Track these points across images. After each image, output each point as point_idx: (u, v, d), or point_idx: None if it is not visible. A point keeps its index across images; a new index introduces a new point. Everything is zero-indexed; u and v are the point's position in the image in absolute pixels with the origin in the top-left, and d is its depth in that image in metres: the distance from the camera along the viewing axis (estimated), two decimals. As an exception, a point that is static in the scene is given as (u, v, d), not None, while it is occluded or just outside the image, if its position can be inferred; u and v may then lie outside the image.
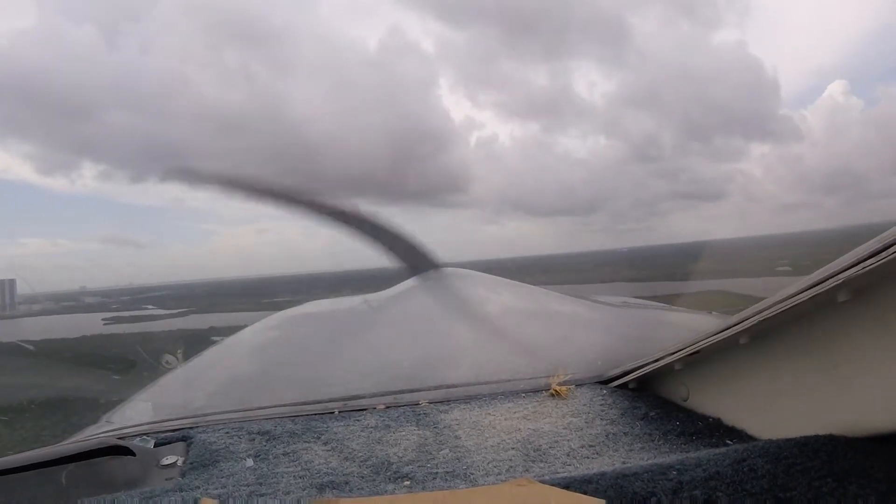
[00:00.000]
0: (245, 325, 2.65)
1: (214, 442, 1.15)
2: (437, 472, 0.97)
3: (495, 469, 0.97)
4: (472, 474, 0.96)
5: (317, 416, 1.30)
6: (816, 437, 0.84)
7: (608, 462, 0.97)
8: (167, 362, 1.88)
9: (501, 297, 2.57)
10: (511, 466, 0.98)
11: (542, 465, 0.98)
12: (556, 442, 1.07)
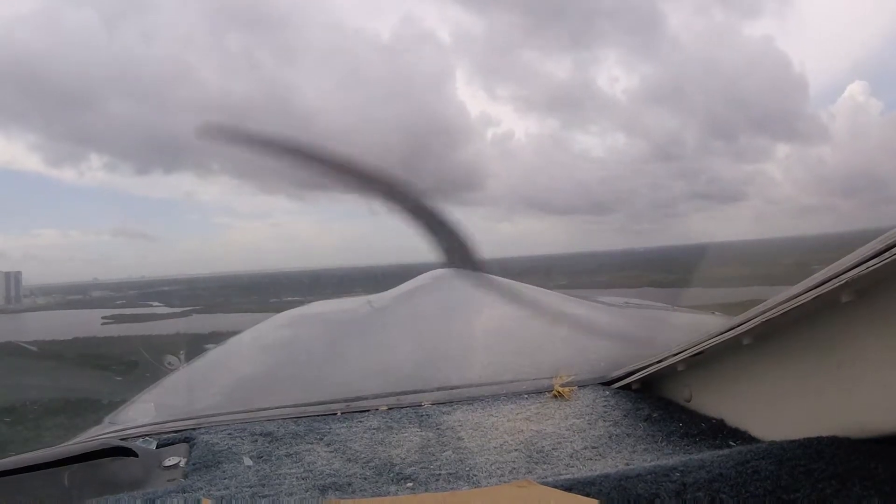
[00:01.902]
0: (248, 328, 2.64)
1: (217, 443, 1.15)
2: (439, 474, 0.97)
3: (498, 471, 0.97)
4: (475, 476, 0.96)
5: (319, 418, 1.30)
6: (820, 439, 0.83)
7: (611, 464, 0.97)
8: (169, 363, 1.88)
9: (503, 297, 2.57)
10: (514, 468, 0.98)
11: (545, 466, 0.98)
12: (559, 443, 1.07)
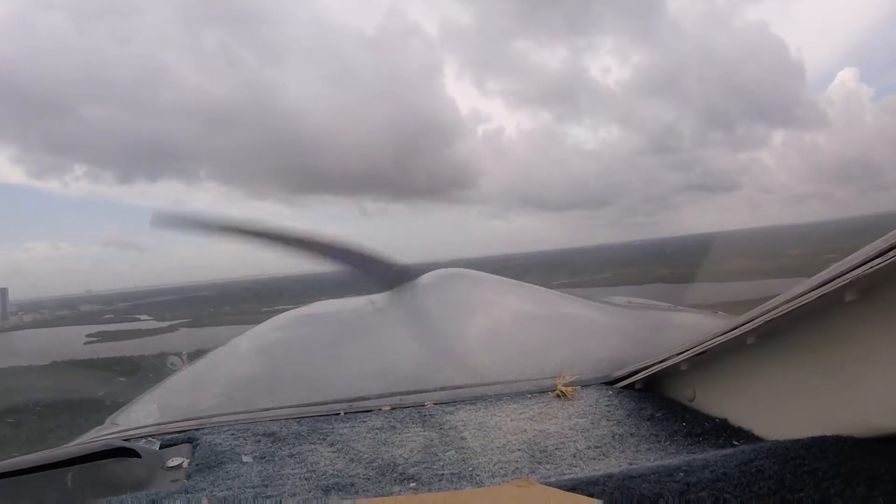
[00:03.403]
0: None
1: (220, 444, 1.15)
2: (442, 474, 0.97)
3: (501, 471, 0.97)
4: (479, 476, 0.95)
5: (322, 418, 1.30)
6: (824, 438, 0.83)
7: (614, 463, 0.97)
8: (172, 364, 1.89)
9: (506, 298, 2.57)
10: (517, 468, 0.98)
11: (548, 466, 0.98)
12: (563, 443, 1.06)
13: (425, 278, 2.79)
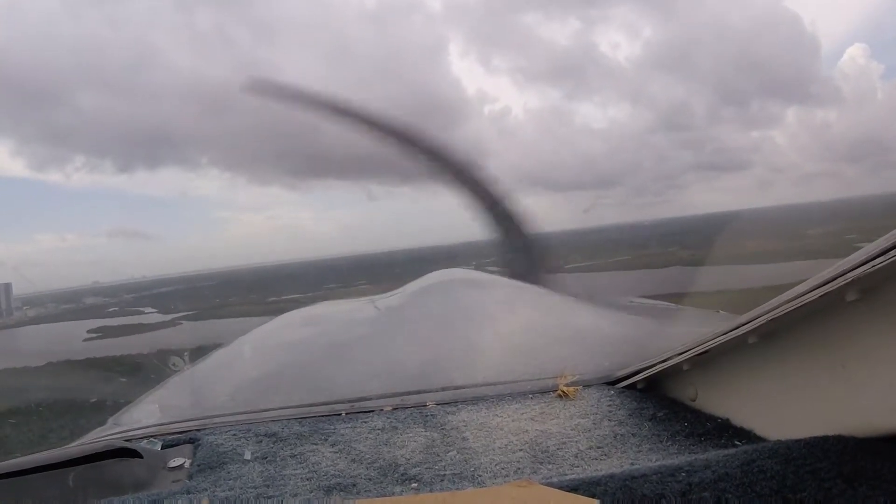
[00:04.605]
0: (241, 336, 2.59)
1: (222, 444, 1.15)
2: (444, 475, 0.97)
3: (503, 471, 0.97)
4: (480, 476, 0.95)
5: (324, 418, 1.30)
6: (826, 438, 0.83)
7: (616, 464, 0.96)
8: (174, 364, 1.89)
9: (507, 299, 2.57)
10: (519, 468, 0.98)
11: (550, 466, 0.98)
12: (564, 443, 1.06)
13: (426, 279, 2.79)
